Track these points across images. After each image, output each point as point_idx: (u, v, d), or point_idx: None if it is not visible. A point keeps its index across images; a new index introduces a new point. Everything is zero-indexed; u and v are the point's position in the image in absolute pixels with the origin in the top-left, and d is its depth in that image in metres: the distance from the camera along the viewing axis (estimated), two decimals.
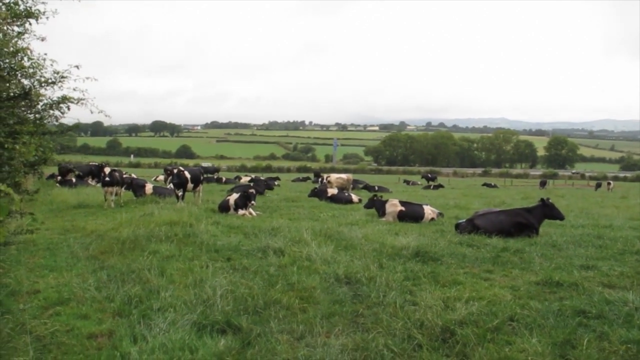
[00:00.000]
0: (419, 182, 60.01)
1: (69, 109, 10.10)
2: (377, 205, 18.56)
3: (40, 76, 10.10)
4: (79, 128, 11.58)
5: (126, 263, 9.82)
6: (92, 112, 10.26)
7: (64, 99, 9.90)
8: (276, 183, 42.00)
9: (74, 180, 32.79)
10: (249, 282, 8.52)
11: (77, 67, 9.97)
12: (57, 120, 11.31)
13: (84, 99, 10.04)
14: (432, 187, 48.31)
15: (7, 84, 9.09)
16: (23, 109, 10.16)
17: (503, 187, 64.30)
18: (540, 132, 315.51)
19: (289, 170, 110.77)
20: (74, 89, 10.07)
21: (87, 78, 10.03)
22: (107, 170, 22.36)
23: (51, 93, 10.02)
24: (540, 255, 11.22)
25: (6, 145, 8.52)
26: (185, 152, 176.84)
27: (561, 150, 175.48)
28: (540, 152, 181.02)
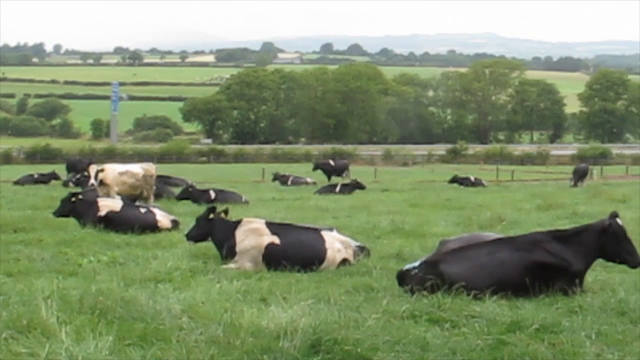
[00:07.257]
0: (310, 180, 31.61)
1: None
2: (217, 234, 9.43)
3: None
4: None
5: None
6: None
7: None
8: None
9: None
10: None
11: None
12: None
13: None
14: (338, 188, 24.56)
15: None
16: None
17: (495, 184, 34.26)
18: (571, 64, 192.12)
19: (7, 160, 65.32)
20: None
21: None
22: None
23: None
24: (596, 335, 5.51)
25: None
26: None
27: (615, 103, 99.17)
28: (573, 107, 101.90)
